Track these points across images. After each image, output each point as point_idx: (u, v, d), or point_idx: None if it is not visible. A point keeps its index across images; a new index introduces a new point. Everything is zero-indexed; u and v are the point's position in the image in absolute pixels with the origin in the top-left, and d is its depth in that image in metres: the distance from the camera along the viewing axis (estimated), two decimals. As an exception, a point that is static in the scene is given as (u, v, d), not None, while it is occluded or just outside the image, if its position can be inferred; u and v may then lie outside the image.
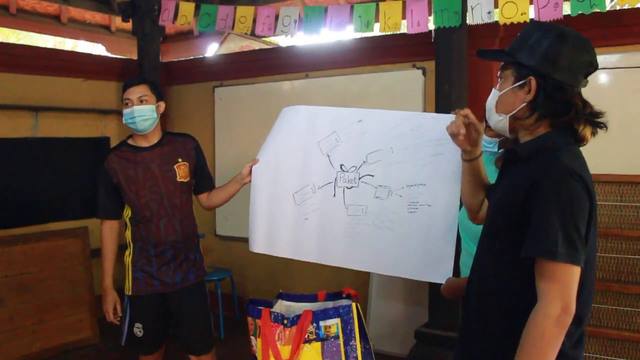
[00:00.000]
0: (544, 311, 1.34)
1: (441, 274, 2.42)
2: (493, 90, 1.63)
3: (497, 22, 3.01)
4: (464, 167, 1.89)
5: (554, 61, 1.47)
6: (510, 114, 1.55)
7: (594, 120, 1.52)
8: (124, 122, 2.65)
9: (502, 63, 1.61)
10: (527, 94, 1.50)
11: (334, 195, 2.60)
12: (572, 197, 1.37)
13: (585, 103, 1.51)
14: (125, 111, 2.63)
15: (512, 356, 1.39)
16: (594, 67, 1.52)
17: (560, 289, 1.34)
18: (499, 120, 1.60)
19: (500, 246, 1.52)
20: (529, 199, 1.40)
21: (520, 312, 1.41)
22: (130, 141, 2.76)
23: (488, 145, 2.29)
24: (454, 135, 1.81)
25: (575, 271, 1.35)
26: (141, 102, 2.63)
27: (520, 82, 1.52)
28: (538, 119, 1.51)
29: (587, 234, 1.40)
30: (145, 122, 2.64)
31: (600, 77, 3.43)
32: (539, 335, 1.33)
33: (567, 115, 1.48)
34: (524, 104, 1.51)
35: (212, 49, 6.02)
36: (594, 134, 1.53)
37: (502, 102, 1.58)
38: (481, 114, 2.43)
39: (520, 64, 1.52)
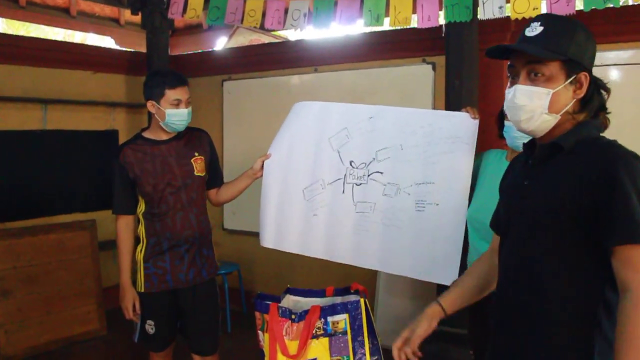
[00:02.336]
0: None
1: (447, 276, 2.41)
2: (532, 88, 1.49)
3: (508, 17, 2.98)
4: None
5: (592, 56, 1.50)
6: (562, 111, 1.49)
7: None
8: (166, 120, 2.58)
9: (524, 60, 1.51)
10: (577, 90, 1.49)
11: (343, 191, 2.59)
12: None
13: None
14: (176, 111, 2.58)
15: (587, 352, 1.37)
16: None
17: None
18: (547, 120, 1.50)
19: (555, 241, 1.45)
20: (598, 189, 1.36)
21: (594, 310, 1.39)
22: (145, 134, 2.72)
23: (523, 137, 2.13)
24: None
25: None
26: (188, 103, 2.63)
27: (572, 79, 1.48)
28: (589, 114, 1.52)
29: None
30: (187, 124, 2.66)
31: (613, 74, 3.39)
32: None
33: (605, 106, 1.53)
34: (574, 100, 1.50)
35: (221, 43, 6.00)
36: None
37: (555, 101, 1.48)
38: (491, 110, 2.42)
39: (572, 60, 1.47)
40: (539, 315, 1.48)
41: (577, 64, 1.47)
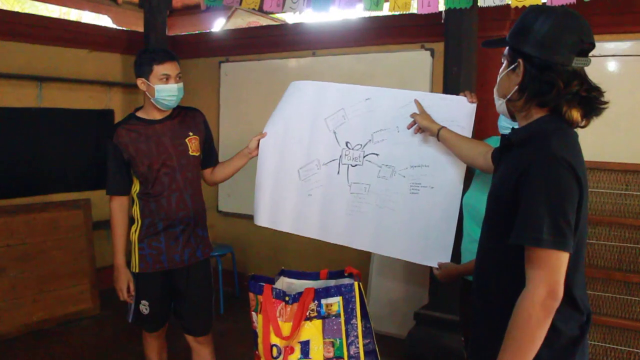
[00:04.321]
0: (530, 297, 1.37)
1: (440, 259, 2.42)
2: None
3: (508, 4, 2.98)
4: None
5: (541, 41, 1.46)
6: (506, 97, 1.59)
7: (586, 101, 1.47)
8: (156, 96, 2.56)
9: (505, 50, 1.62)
10: (517, 77, 1.53)
11: (338, 172, 2.59)
12: (560, 185, 1.37)
13: (569, 83, 1.45)
14: (165, 87, 2.56)
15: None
16: (585, 43, 1.46)
17: (546, 274, 1.36)
18: (499, 104, 1.64)
19: (495, 233, 1.55)
20: (519, 186, 1.42)
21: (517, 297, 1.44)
22: (139, 114, 2.69)
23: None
24: None
25: (562, 257, 1.37)
26: (179, 79, 2.60)
27: (513, 66, 1.54)
28: (526, 101, 1.53)
29: (577, 220, 1.40)
30: (178, 100, 2.64)
31: (610, 65, 3.39)
32: (525, 319, 1.36)
33: (549, 95, 1.46)
34: (516, 87, 1.54)
35: (218, 24, 5.96)
36: (585, 116, 1.49)
37: (500, 86, 1.62)
38: (488, 98, 2.41)
39: (513, 48, 1.54)
40: (486, 297, 1.60)
41: (517, 51, 1.52)
